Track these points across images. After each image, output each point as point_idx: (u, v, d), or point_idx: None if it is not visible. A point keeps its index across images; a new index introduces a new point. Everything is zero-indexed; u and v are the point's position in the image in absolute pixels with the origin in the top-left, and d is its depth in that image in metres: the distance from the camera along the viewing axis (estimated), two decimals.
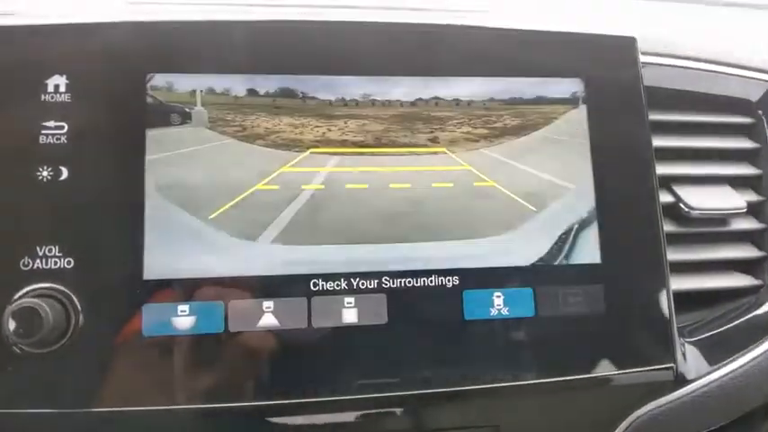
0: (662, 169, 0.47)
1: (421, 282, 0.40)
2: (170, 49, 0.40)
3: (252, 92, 0.41)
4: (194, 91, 0.40)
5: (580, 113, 0.44)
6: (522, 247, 0.41)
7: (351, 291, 0.39)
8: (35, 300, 0.34)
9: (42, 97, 0.38)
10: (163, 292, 0.37)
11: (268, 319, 0.38)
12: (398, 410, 0.39)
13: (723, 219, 0.50)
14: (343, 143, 0.41)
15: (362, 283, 0.39)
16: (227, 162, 0.39)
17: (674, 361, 0.42)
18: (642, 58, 0.46)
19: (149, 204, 0.38)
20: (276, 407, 0.38)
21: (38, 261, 0.36)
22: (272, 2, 0.45)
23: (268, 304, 0.38)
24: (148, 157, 0.38)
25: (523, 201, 0.42)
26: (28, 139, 0.38)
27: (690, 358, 0.45)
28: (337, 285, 0.39)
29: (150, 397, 0.36)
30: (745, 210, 0.49)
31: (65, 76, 0.38)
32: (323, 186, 0.40)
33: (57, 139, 0.38)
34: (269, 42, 0.41)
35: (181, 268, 0.37)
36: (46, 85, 0.38)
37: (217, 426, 0.38)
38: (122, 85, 0.39)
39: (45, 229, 0.37)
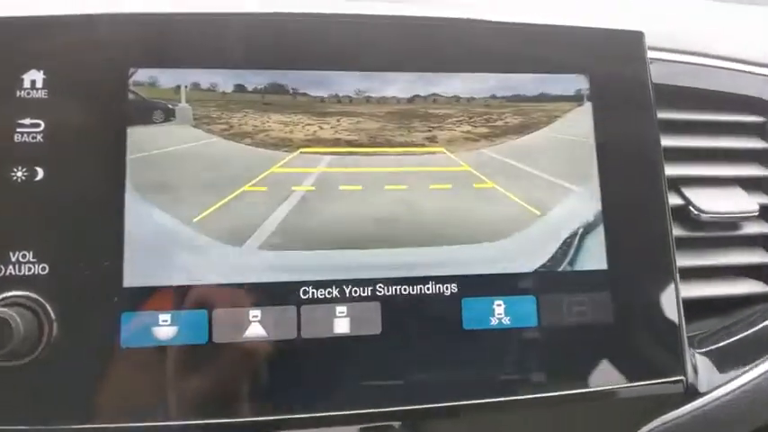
0: (670, 170, 0.46)
1: (417, 289, 0.38)
2: (154, 43, 0.39)
3: (240, 87, 0.39)
4: (179, 87, 0.38)
5: (585, 111, 0.43)
6: (525, 253, 0.40)
7: (343, 299, 0.37)
8: (5, 309, 0.33)
9: (18, 93, 0.37)
10: (143, 301, 0.35)
11: (255, 330, 0.36)
12: (393, 426, 0.38)
13: (734, 222, 0.49)
14: (336, 142, 0.40)
15: (355, 291, 0.38)
16: (213, 162, 0.38)
17: (685, 373, 0.41)
18: (650, 54, 0.45)
19: (130, 207, 0.36)
20: (263, 423, 0.36)
21: (10, 267, 0.35)
22: None
23: (255, 313, 0.36)
24: (129, 157, 0.37)
25: (525, 203, 0.41)
26: (2, 138, 0.36)
27: (701, 370, 0.43)
28: (329, 293, 0.37)
29: (129, 412, 0.35)
30: (756, 213, 0.48)
31: (42, 71, 0.37)
32: (314, 188, 0.39)
33: (32, 137, 0.36)
34: (258, 36, 0.40)
35: (162, 275, 0.36)
36: (22, 80, 0.37)
37: None
38: (103, 81, 0.38)
39: (18, 233, 0.35)
